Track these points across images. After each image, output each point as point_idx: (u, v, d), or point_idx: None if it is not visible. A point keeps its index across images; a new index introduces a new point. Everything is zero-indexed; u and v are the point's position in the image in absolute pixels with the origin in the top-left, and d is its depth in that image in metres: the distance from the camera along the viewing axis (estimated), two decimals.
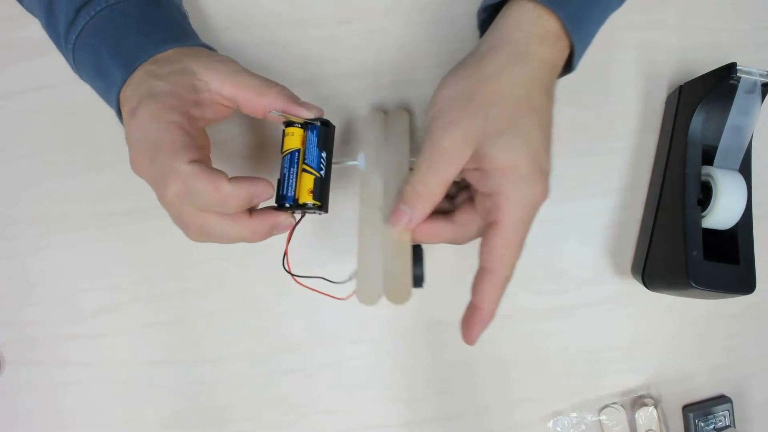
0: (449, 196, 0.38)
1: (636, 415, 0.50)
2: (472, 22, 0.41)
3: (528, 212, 0.34)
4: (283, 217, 0.36)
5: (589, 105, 0.49)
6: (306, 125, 0.37)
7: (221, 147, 0.47)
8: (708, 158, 0.46)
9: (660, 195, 0.48)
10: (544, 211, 0.49)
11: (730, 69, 0.42)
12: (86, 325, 0.48)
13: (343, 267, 0.39)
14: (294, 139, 0.37)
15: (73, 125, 0.48)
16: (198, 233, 0.35)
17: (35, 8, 0.42)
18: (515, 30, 0.35)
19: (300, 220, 0.38)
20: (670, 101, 0.50)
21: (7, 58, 0.47)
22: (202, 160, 0.33)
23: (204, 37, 0.43)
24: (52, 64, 0.46)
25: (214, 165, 0.35)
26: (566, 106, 0.49)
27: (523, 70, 0.34)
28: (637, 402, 0.50)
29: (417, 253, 0.38)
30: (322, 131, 0.37)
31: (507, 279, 0.35)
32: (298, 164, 0.37)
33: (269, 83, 0.36)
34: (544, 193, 0.34)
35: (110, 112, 0.40)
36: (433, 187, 0.34)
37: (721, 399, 0.51)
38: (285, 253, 0.38)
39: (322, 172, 0.37)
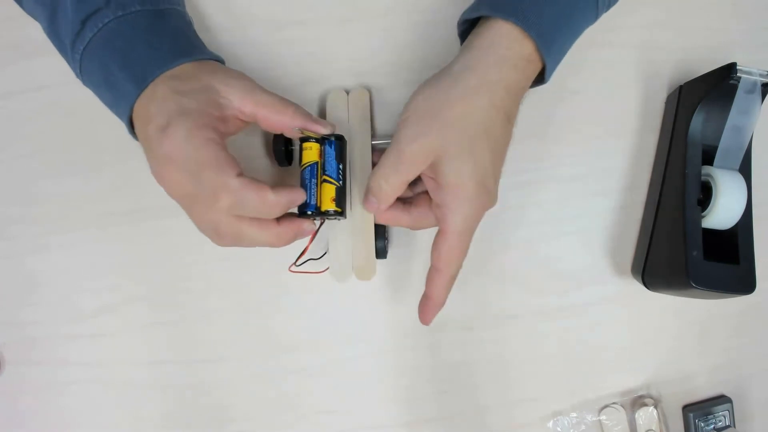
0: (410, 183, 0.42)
1: (636, 415, 0.50)
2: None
3: (470, 224, 0.39)
4: (307, 224, 0.40)
5: (589, 105, 0.49)
6: (322, 140, 0.41)
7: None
8: (708, 158, 0.46)
9: (660, 195, 0.48)
10: (545, 211, 0.49)
11: (730, 69, 0.42)
12: (86, 325, 0.48)
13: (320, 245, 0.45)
14: (312, 153, 0.41)
15: (73, 125, 0.48)
16: (231, 240, 0.38)
17: (37, 13, 0.42)
18: (489, 53, 0.38)
19: (320, 226, 0.42)
20: (670, 101, 0.50)
21: (7, 58, 0.47)
22: (243, 172, 0.36)
23: (204, 37, 0.43)
24: (52, 64, 0.46)
25: None
26: (566, 106, 0.49)
27: (488, 99, 0.38)
28: (637, 402, 0.50)
29: (379, 229, 0.44)
30: (338, 145, 0.41)
31: (453, 277, 0.40)
32: (318, 176, 0.41)
33: (285, 102, 0.39)
34: (487, 206, 0.39)
35: (110, 113, 0.41)
36: (393, 184, 0.39)
37: (721, 399, 0.51)
38: (303, 252, 0.43)
39: (341, 182, 0.41)
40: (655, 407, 0.49)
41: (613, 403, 0.50)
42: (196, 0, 0.47)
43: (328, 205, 0.41)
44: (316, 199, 0.41)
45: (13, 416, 0.49)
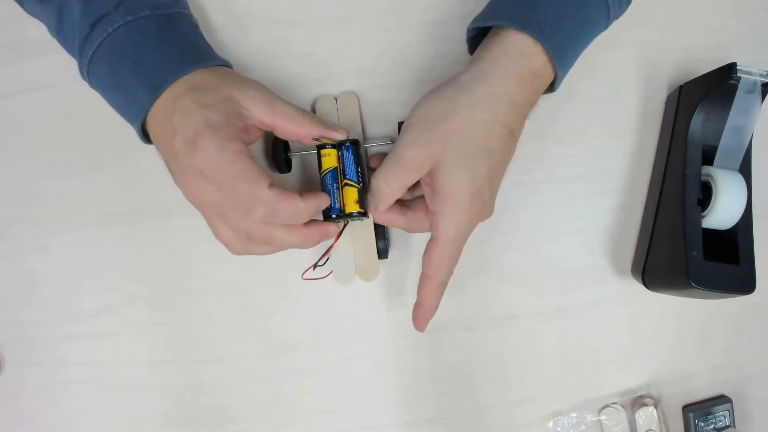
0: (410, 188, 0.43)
1: (636, 415, 0.50)
2: (470, 23, 0.41)
3: (461, 233, 0.39)
4: (333, 227, 0.42)
5: (589, 105, 0.49)
6: (339, 146, 0.43)
7: None
8: (708, 158, 0.46)
9: (660, 195, 0.48)
10: (545, 211, 0.49)
11: (730, 69, 0.42)
12: (86, 325, 0.48)
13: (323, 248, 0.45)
14: (330, 159, 0.43)
15: (73, 125, 0.48)
16: (262, 242, 0.40)
17: (41, 15, 0.42)
18: (497, 66, 0.38)
19: (344, 227, 0.44)
20: (670, 101, 0.50)
21: (7, 58, 0.47)
22: (273, 182, 0.38)
23: (205, 37, 0.43)
24: (52, 64, 0.46)
25: None
26: (566, 106, 0.49)
27: (491, 113, 0.38)
28: (637, 402, 0.50)
29: (379, 229, 0.45)
30: (355, 150, 0.43)
31: (443, 283, 0.41)
32: (338, 180, 0.43)
33: (302, 112, 0.41)
34: (481, 217, 0.40)
35: (110, 113, 0.41)
36: (393, 187, 0.40)
37: (721, 399, 0.51)
38: (327, 253, 0.45)
39: (361, 184, 0.43)
40: (655, 407, 0.49)
41: (613, 403, 0.50)
42: (197, 0, 0.47)
43: (352, 207, 0.42)
44: (339, 203, 0.43)
45: (13, 416, 0.49)
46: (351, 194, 0.43)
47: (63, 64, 0.44)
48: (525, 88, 0.38)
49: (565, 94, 0.42)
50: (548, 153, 0.49)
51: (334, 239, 0.44)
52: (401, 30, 0.48)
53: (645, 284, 0.49)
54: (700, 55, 0.50)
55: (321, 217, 0.44)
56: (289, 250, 0.41)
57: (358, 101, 0.47)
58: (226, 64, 0.42)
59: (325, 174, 0.43)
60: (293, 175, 0.48)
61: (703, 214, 0.45)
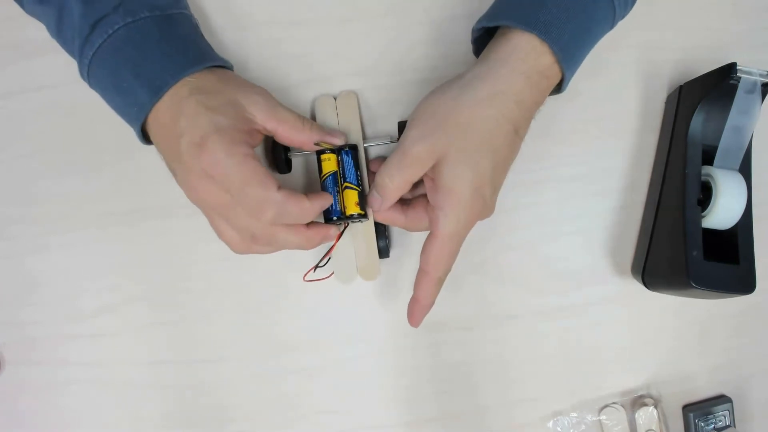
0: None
1: (636, 415, 0.50)
2: (472, 23, 0.41)
3: (460, 228, 0.39)
4: (333, 229, 0.43)
5: (589, 105, 0.49)
6: (338, 150, 0.44)
7: None
8: (708, 158, 0.46)
9: (660, 195, 0.48)
10: (545, 211, 0.49)
11: (730, 69, 0.42)
12: (86, 325, 0.48)
13: (322, 250, 0.45)
14: (331, 163, 0.44)
15: (73, 125, 0.48)
16: (265, 242, 0.40)
17: (40, 15, 0.42)
18: (503, 64, 0.38)
19: (344, 229, 0.45)
20: (670, 101, 0.50)
21: (7, 58, 0.47)
22: (281, 184, 0.38)
23: (205, 37, 0.43)
24: (52, 64, 0.46)
25: None
26: (567, 106, 0.49)
27: (498, 110, 0.38)
28: (637, 402, 0.50)
29: (380, 228, 0.45)
30: (354, 154, 0.44)
31: (440, 280, 0.41)
32: (339, 183, 0.43)
33: (302, 118, 0.42)
34: (481, 215, 0.40)
35: (110, 113, 0.41)
36: (397, 182, 0.40)
37: (722, 399, 0.51)
38: (328, 254, 0.45)
39: (360, 187, 0.44)
40: (655, 407, 0.49)
41: (613, 403, 0.50)
42: (196, 1, 0.47)
43: (353, 209, 0.43)
44: (340, 205, 0.43)
45: (13, 416, 0.49)
46: (351, 197, 0.43)
47: (63, 64, 0.44)
48: (532, 88, 0.38)
49: (565, 94, 0.42)
50: (548, 153, 0.49)
51: (335, 241, 0.44)
52: (402, 30, 0.48)
53: (645, 284, 0.49)
54: (700, 55, 0.50)
55: (322, 220, 0.44)
56: (290, 251, 0.42)
57: (358, 100, 0.47)
58: (226, 64, 0.42)
59: (326, 178, 0.44)
60: (293, 176, 0.48)
61: (703, 214, 0.45)
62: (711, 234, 0.45)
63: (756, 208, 0.45)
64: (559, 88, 0.41)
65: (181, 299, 0.49)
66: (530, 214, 0.49)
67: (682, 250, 0.44)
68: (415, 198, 0.44)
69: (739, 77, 0.42)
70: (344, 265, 0.45)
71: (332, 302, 0.49)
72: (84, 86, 0.41)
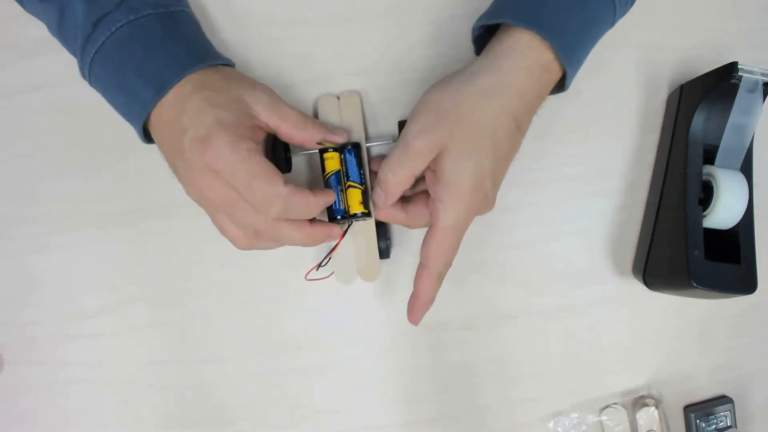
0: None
1: (637, 416, 0.50)
2: (472, 23, 0.41)
3: (460, 221, 0.39)
4: (336, 228, 0.43)
5: (590, 105, 0.49)
6: (341, 149, 0.43)
7: None
8: (709, 158, 0.46)
9: (661, 195, 0.48)
10: (545, 210, 0.49)
11: (731, 68, 0.42)
12: (86, 325, 0.48)
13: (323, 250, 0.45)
14: (334, 162, 0.44)
15: (73, 125, 0.48)
16: (269, 239, 0.40)
17: (41, 14, 0.42)
18: (505, 58, 0.38)
19: (348, 228, 0.45)
20: (671, 101, 0.50)
21: (7, 58, 0.47)
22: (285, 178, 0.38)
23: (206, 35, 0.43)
24: (52, 64, 0.46)
25: None
26: (567, 106, 0.49)
27: (499, 103, 0.38)
28: (638, 402, 0.50)
29: (381, 229, 0.45)
30: (357, 153, 0.44)
31: (440, 274, 0.40)
32: (342, 182, 0.43)
33: (305, 116, 0.42)
34: (481, 208, 0.39)
35: (110, 113, 0.41)
36: (400, 177, 0.40)
37: (723, 399, 0.51)
38: (331, 253, 0.45)
39: (364, 185, 0.44)
40: (657, 407, 0.49)
41: (614, 403, 0.50)
42: (197, 0, 0.47)
43: (357, 208, 0.43)
44: (344, 204, 0.43)
45: (13, 416, 0.49)
46: (355, 195, 0.43)
47: (63, 64, 0.44)
48: (534, 82, 0.38)
49: (565, 94, 0.42)
50: (549, 152, 0.49)
51: (338, 240, 0.44)
52: (402, 29, 0.48)
53: (646, 284, 0.49)
54: (701, 55, 0.50)
55: (325, 219, 0.44)
56: (290, 250, 0.41)
57: (361, 100, 0.47)
58: (228, 62, 0.42)
59: (329, 177, 0.44)
60: (293, 175, 0.48)
61: (705, 213, 0.45)
62: (712, 234, 0.45)
63: (757, 207, 0.45)
64: (562, 87, 0.41)
65: (181, 299, 0.48)
66: (531, 214, 0.49)
67: (683, 249, 0.44)
68: (415, 194, 0.44)
69: (741, 76, 0.42)
70: (344, 266, 0.45)
71: (332, 302, 0.49)
72: (84, 86, 0.41)
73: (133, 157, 0.47)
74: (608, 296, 0.50)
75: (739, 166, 0.46)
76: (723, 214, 0.44)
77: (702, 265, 0.43)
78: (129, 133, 0.41)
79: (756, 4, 0.51)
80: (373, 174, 0.45)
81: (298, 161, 0.48)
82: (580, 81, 0.42)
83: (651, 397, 0.50)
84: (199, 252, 0.48)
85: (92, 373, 0.49)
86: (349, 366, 0.49)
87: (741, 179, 0.45)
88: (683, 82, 0.48)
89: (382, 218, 0.44)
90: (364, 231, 0.45)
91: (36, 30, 0.44)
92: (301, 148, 0.45)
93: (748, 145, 0.45)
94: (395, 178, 0.40)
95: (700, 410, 0.50)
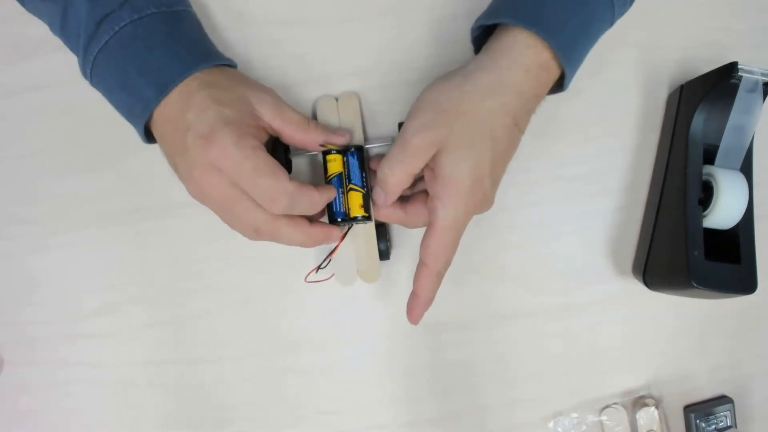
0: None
1: (637, 416, 0.50)
2: (471, 23, 0.41)
3: (459, 219, 0.39)
4: (336, 231, 0.43)
5: (590, 104, 0.49)
6: (344, 151, 0.44)
7: None
8: (709, 158, 0.46)
9: (661, 195, 0.48)
10: (545, 210, 0.49)
11: (731, 68, 0.42)
12: (86, 325, 0.48)
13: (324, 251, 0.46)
14: (336, 164, 0.44)
15: (73, 125, 0.48)
16: (269, 237, 0.40)
17: (43, 13, 0.42)
18: (504, 56, 0.38)
19: (347, 230, 0.44)
20: (671, 101, 0.50)
21: (7, 58, 0.47)
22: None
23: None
24: (52, 64, 0.46)
25: None
26: (567, 106, 0.49)
27: (498, 101, 0.38)
28: (638, 402, 0.50)
29: (381, 230, 0.45)
30: (359, 156, 0.44)
31: (440, 273, 0.40)
32: (344, 185, 0.43)
33: (307, 120, 0.42)
34: (479, 206, 0.39)
35: (110, 113, 0.41)
36: (399, 175, 0.40)
37: (723, 399, 0.51)
38: (331, 254, 0.45)
39: (365, 189, 0.44)
40: (656, 407, 0.49)
41: (614, 403, 0.50)
42: (198, 0, 0.47)
43: (357, 211, 0.43)
44: (344, 207, 0.43)
45: (13, 416, 0.49)
46: (356, 198, 0.43)
47: (63, 64, 0.44)
48: (532, 80, 0.38)
49: (565, 94, 0.42)
50: (548, 152, 0.49)
51: (338, 242, 0.44)
52: (402, 29, 0.48)
53: (646, 284, 0.49)
54: (701, 55, 0.50)
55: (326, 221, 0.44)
56: (290, 250, 0.41)
57: (359, 101, 0.47)
58: (230, 62, 0.42)
59: (331, 179, 0.44)
60: (293, 177, 0.48)
61: (705, 213, 0.45)
62: (712, 234, 0.45)
63: (757, 207, 0.45)
64: (561, 86, 0.41)
65: (181, 299, 0.49)
66: (530, 214, 0.49)
67: (683, 249, 0.44)
68: (414, 194, 0.44)
69: (741, 76, 0.42)
70: (345, 267, 0.45)
71: (332, 302, 0.49)
72: (84, 86, 0.41)
73: (133, 157, 0.48)
74: (608, 296, 0.50)
75: (739, 166, 0.46)
76: (723, 214, 0.44)
77: (702, 265, 0.43)
78: (129, 133, 0.41)
79: (756, 4, 0.50)
80: (372, 173, 0.45)
81: (298, 163, 0.48)
82: (579, 81, 0.42)
83: (651, 397, 0.50)
84: (199, 252, 0.48)
85: (92, 373, 0.49)
86: (349, 366, 0.49)
87: (741, 179, 0.45)
88: (683, 82, 0.48)
89: (381, 218, 0.44)
90: (364, 233, 0.45)
91: (36, 30, 0.44)
92: (302, 149, 0.45)
93: (748, 145, 0.45)
94: (394, 177, 0.40)
95: (700, 410, 0.50)
